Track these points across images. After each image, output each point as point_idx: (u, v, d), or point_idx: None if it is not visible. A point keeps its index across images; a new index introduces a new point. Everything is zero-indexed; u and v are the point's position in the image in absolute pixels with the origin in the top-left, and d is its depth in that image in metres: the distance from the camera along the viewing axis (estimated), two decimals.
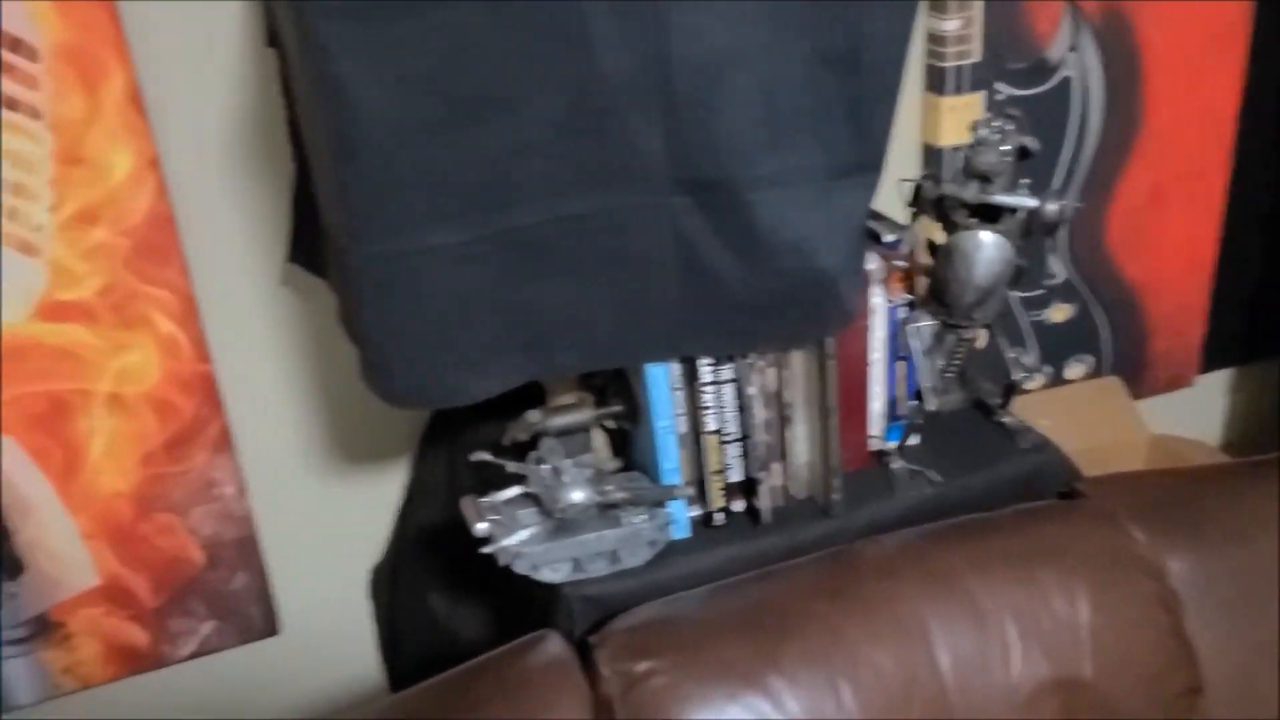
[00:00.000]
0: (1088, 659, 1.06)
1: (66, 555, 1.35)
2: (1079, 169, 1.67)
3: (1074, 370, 1.82)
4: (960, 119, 1.54)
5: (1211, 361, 1.88)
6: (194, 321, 1.31)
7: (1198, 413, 1.95)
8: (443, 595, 1.38)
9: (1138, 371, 1.85)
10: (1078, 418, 1.76)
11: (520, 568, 1.10)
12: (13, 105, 1.16)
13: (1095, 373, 1.83)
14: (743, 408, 1.15)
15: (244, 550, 1.44)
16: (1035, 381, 1.80)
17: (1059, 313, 1.76)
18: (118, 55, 1.18)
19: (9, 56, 1.14)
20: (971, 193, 1.10)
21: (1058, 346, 1.79)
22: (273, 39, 1.19)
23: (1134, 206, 1.72)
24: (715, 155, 1.02)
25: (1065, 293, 1.74)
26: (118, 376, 1.30)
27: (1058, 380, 1.81)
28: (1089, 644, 1.06)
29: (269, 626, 1.50)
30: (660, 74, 0.99)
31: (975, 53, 1.52)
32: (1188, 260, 1.78)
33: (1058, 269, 1.72)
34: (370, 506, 1.52)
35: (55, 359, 1.27)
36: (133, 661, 1.44)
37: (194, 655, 1.46)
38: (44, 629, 1.38)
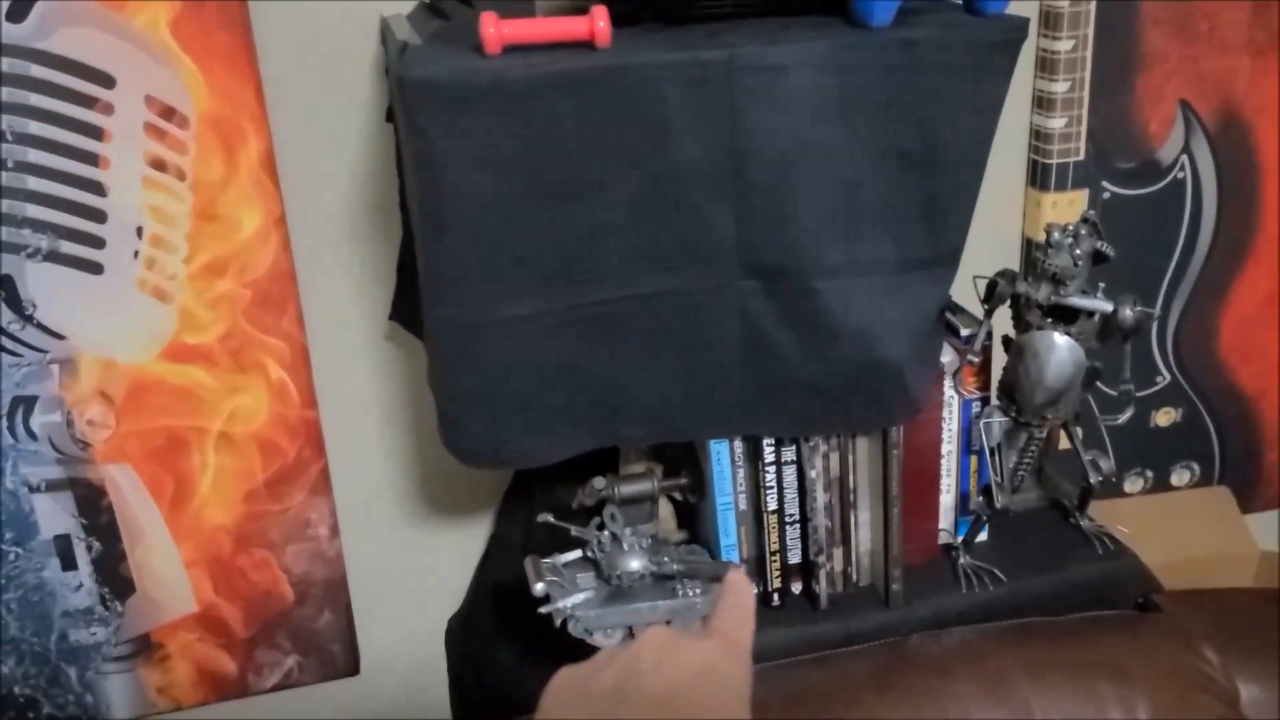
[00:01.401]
0: None
1: (170, 581, 1.45)
2: (1189, 272, 1.63)
3: (1179, 477, 1.76)
4: (1062, 216, 1.53)
5: None
6: (304, 370, 1.40)
7: None
8: (511, 649, 1.41)
9: (1249, 483, 1.77)
10: (1181, 527, 1.70)
11: (574, 630, 1.13)
12: (161, 166, 1.28)
13: (1202, 481, 1.76)
14: (803, 490, 1.17)
15: (332, 590, 1.51)
16: (1135, 484, 1.74)
17: (1164, 416, 1.71)
18: (256, 124, 1.29)
19: (163, 124, 1.26)
20: (1044, 293, 1.10)
21: (1162, 451, 1.73)
22: (390, 115, 1.28)
23: (1248, 313, 1.67)
24: (785, 243, 1.06)
25: (1171, 396, 1.69)
26: (230, 417, 1.40)
27: (1162, 486, 1.75)
28: None
29: (350, 666, 1.56)
30: (735, 164, 1.03)
31: (1080, 151, 1.52)
32: None
33: (1164, 372, 1.68)
34: (454, 558, 1.58)
35: (176, 397, 1.37)
36: (221, 688, 1.52)
37: (277, 687, 1.54)
38: (145, 649, 1.47)
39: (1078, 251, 1.06)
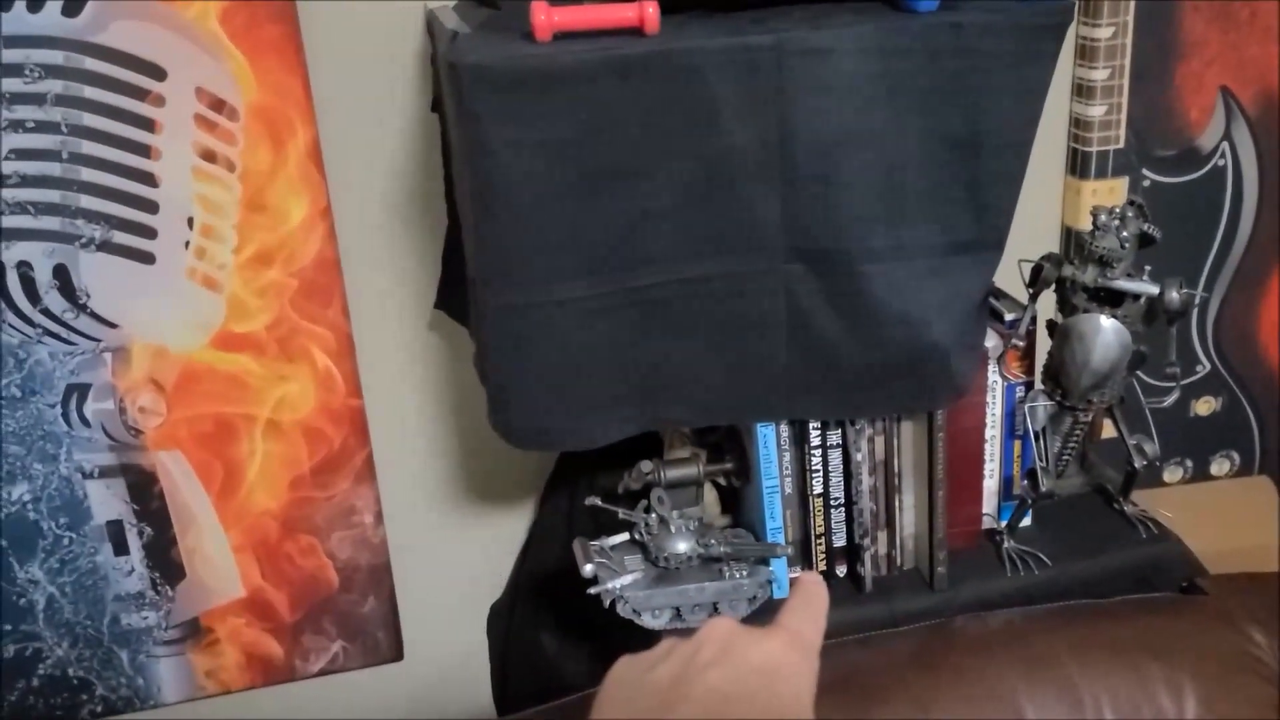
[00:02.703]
0: None
1: (219, 566, 1.47)
2: (1229, 260, 1.63)
3: (1219, 466, 1.75)
4: (1102, 204, 1.53)
5: None
6: (349, 358, 1.42)
7: None
8: (553, 635, 1.43)
9: None
10: (1222, 517, 1.69)
11: (623, 611, 1.14)
12: (211, 158, 1.30)
13: (1243, 471, 1.75)
14: (849, 473, 1.18)
15: (376, 576, 1.53)
16: (1175, 474, 1.74)
17: (1204, 405, 1.71)
18: (303, 115, 1.31)
19: (213, 115, 1.29)
20: (1090, 276, 1.10)
21: (1202, 441, 1.73)
22: (435, 105, 1.30)
23: None
24: (831, 227, 1.07)
25: (1211, 385, 1.69)
26: (277, 405, 1.42)
27: (1202, 475, 1.75)
28: None
29: (395, 652, 1.58)
30: (782, 149, 1.04)
31: (1120, 139, 1.52)
32: None
33: (1204, 360, 1.67)
34: (496, 545, 1.60)
35: (225, 385, 1.40)
36: (268, 672, 1.54)
37: (323, 672, 1.56)
38: (194, 633, 1.50)
39: (1124, 234, 1.06)
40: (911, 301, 1.09)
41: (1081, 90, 1.50)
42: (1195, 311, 1.64)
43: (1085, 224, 1.54)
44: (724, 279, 1.09)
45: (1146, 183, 1.55)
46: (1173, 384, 1.16)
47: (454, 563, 1.59)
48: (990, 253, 1.12)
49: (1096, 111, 1.50)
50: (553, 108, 1.00)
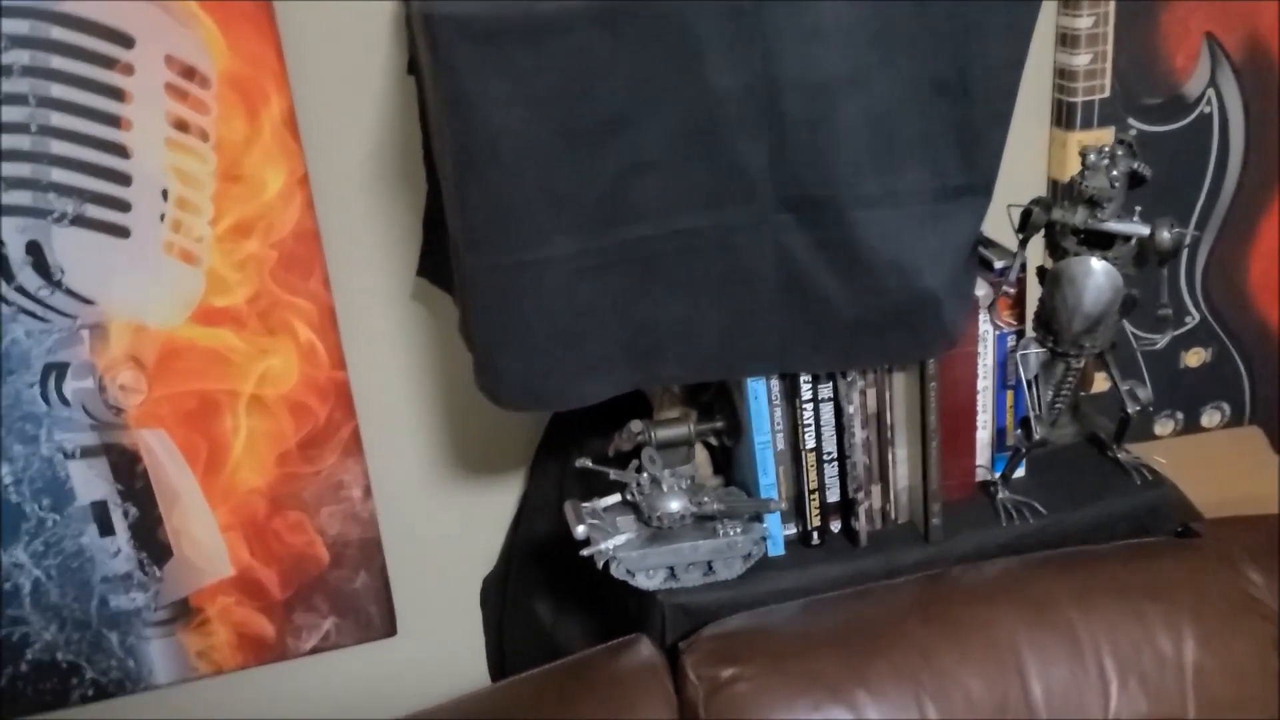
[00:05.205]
0: (1191, 700, 1.02)
1: (207, 545, 1.45)
2: (1216, 209, 1.62)
3: (1210, 418, 1.75)
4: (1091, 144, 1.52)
5: None
6: (332, 330, 1.40)
7: None
8: (547, 603, 1.42)
9: None
10: (1213, 467, 1.69)
11: (617, 572, 1.13)
12: (184, 128, 1.27)
13: (1233, 421, 1.75)
14: (841, 427, 1.16)
15: (367, 551, 1.51)
16: (1166, 426, 1.73)
17: (1194, 357, 1.70)
18: (277, 83, 1.28)
19: (184, 84, 1.26)
20: (1080, 218, 1.09)
21: (1193, 392, 1.72)
22: (412, 67, 1.28)
23: (1277, 249, 1.65)
24: (819, 174, 1.05)
25: (1201, 336, 1.68)
26: (260, 379, 1.40)
27: (1192, 427, 1.74)
28: (1194, 684, 1.02)
29: (387, 627, 1.57)
30: (768, 95, 1.02)
31: (1105, 88, 1.50)
32: None
33: (1193, 311, 1.67)
34: (487, 517, 1.58)
35: (207, 360, 1.37)
36: (260, 651, 1.52)
37: (316, 650, 1.54)
38: (184, 613, 1.48)
39: (1114, 173, 1.05)
40: (903, 248, 1.08)
41: (1066, 39, 1.49)
42: (1184, 261, 1.63)
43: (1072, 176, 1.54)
44: (713, 231, 1.07)
45: (1133, 132, 1.54)
46: (1166, 324, 1.14)
47: (445, 535, 1.58)
48: (980, 198, 1.11)
49: (1081, 61, 1.48)
50: (533, 58, 0.98)
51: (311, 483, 1.46)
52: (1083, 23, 1.46)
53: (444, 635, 1.61)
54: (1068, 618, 1.05)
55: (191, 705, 1.55)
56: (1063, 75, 1.51)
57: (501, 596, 1.56)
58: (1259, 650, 1.05)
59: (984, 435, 1.25)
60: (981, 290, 1.19)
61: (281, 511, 1.46)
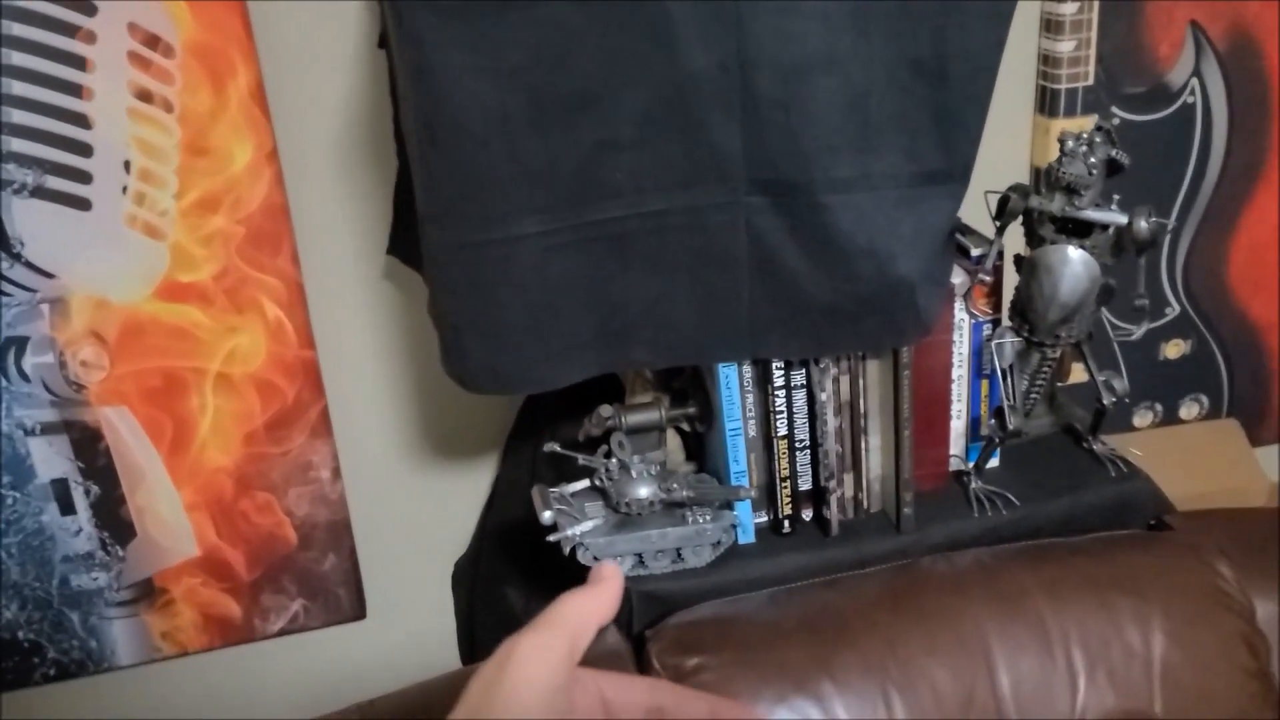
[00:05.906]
0: (1158, 693, 1.01)
1: (172, 524, 1.43)
2: (1198, 200, 1.61)
3: (1188, 410, 1.74)
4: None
5: None
6: (300, 309, 1.38)
7: None
8: (518, 589, 1.40)
9: (1259, 415, 1.76)
10: (1191, 459, 1.68)
11: (583, 558, 1.11)
12: (147, 98, 1.25)
13: (1211, 414, 1.74)
14: (814, 414, 1.15)
15: (335, 533, 1.50)
16: (1145, 418, 1.73)
17: (1173, 349, 1.69)
18: (245, 54, 1.25)
19: (147, 53, 1.23)
20: (1058, 205, 1.07)
21: (1172, 384, 1.71)
22: (382, 41, 1.25)
23: (1259, 241, 1.64)
24: (793, 156, 1.03)
25: (1181, 328, 1.67)
26: (227, 357, 1.38)
27: (1171, 419, 1.74)
28: (1161, 678, 1.01)
29: (357, 610, 1.55)
30: (741, 74, 1.00)
31: (1089, 75, 1.49)
32: None
33: (1173, 303, 1.66)
34: (459, 500, 1.57)
35: (171, 337, 1.35)
36: (226, 632, 1.51)
37: (283, 632, 1.52)
38: (148, 594, 1.46)
39: (1092, 160, 1.03)
40: (877, 234, 1.06)
41: (1050, 25, 1.47)
42: (1165, 252, 1.62)
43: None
44: (685, 212, 1.05)
45: (1116, 120, 1.53)
46: (1143, 315, 1.13)
47: (416, 517, 1.56)
48: (957, 184, 1.09)
49: (1065, 47, 1.46)
50: (502, 31, 0.96)
51: (279, 463, 1.44)
52: (1067, 9, 1.44)
53: (414, 618, 1.60)
54: (1037, 610, 1.04)
55: (157, 686, 1.53)
56: (1046, 62, 1.49)
57: (473, 580, 1.55)
58: (1227, 644, 1.04)
59: (958, 425, 1.24)
60: (958, 278, 1.17)
61: (249, 492, 1.44)
